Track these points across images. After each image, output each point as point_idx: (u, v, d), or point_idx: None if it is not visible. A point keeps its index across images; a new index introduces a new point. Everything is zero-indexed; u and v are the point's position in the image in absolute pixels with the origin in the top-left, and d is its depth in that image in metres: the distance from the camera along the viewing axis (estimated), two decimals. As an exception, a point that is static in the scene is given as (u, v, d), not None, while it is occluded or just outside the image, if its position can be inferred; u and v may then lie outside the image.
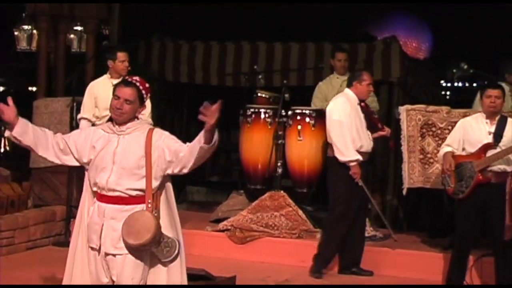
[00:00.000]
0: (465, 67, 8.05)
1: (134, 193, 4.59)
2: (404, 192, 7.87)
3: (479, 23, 11.62)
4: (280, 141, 8.45)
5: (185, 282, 4.75)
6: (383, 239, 8.08)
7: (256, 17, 10.88)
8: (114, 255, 4.60)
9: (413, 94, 10.00)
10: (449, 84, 14.10)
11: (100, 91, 7.57)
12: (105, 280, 4.65)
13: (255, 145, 8.67)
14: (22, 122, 4.69)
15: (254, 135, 8.68)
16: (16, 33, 9.88)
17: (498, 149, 6.62)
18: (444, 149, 6.86)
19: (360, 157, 7.18)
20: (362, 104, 7.33)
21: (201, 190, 10.85)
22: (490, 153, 6.63)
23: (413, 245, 7.92)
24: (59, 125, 8.55)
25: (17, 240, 7.89)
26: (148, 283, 4.65)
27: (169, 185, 4.71)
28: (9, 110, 4.64)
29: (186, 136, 11.07)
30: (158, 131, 4.65)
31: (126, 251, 4.58)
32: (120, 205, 4.59)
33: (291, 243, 7.85)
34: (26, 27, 9.85)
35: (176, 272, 4.69)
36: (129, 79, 4.70)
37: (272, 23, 11.17)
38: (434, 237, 8.04)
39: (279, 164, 8.43)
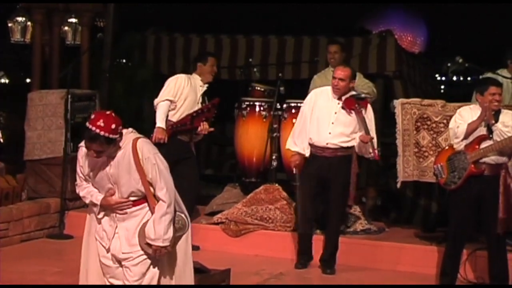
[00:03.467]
0: (460, 61, 8.04)
1: (136, 198, 4.81)
2: (398, 185, 7.87)
3: (474, 17, 11.63)
4: (275, 134, 8.45)
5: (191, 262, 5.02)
6: (377, 232, 8.10)
7: (252, 10, 10.87)
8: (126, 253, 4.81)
9: (410, 88, 10.01)
10: (444, 78, 14.10)
11: (192, 90, 7.78)
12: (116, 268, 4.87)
13: (250, 138, 8.67)
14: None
15: (249, 128, 8.68)
16: (10, 24, 9.82)
17: (492, 141, 6.62)
18: (462, 125, 6.74)
19: (294, 148, 7.24)
20: (343, 100, 7.18)
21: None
22: (484, 144, 6.63)
23: (407, 238, 7.93)
24: (53, 117, 8.54)
25: (11, 233, 7.87)
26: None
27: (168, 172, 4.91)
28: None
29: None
30: (140, 148, 4.74)
31: (139, 253, 4.81)
32: (129, 208, 4.84)
33: (285, 236, 7.85)
34: (20, 19, 9.78)
35: (184, 249, 5.01)
36: (90, 127, 4.64)
37: (267, 16, 11.16)
38: (428, 230, 8.05)
39: (274, 157, 8.44)
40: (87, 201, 4.91)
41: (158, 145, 7.71)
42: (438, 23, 12.68)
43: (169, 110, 7.72)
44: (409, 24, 13.46)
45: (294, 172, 7.44)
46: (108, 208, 4.81)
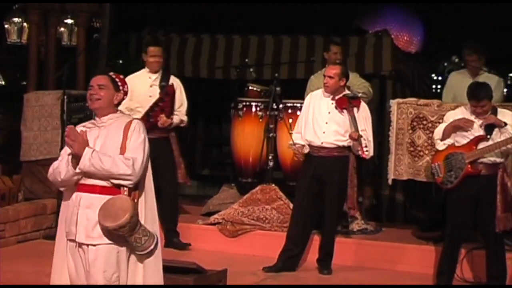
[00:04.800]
0: (456, 60, 8.06)
1: (109, 183, 4.54)
2: (389, 182, 7.88)
3: (471, 16, 11.62)
4: (271, 134, 8.45)
5: (161, 283, 4.72)
6: (374, 232, 8.10)
7: (248, 10, 10.87)
8: (87, 245, 4.55)
9: (406, 87, 10.03)
10: (440, 78, 14.09)
11: (137, 84, 7.67)
12: (82, 272, 4.59)
13: (246, 138, 8.67)
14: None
15: (245, 128, 8.69)
16: (6, 25, 9.83)
17: (490, 142, 6.62)
18: (441, 126, 6.80)
19: (297, 142, 7.28)
20: (336, 100, 7.19)
21: (192, 183, 10.83)
22: (481, 145, 6.64)
23: (405, 238, 7.93)
24: (50, 118, 8.54)
25: (8, 234, 7.86)
26: (123, 282, 4.58)
27: (149, 180, 4.67)
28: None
29: (179, 130, 11.09)
30: (135, 124, 4.64)
31: (99, 242, 4.52)
32: (96, 194, 4.55)
33: (282, 236, 7.82)
34: (16, 19, 9.79)
35: (153, 272, 4.66)
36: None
37: (263, 16, 11.15)
38: (425, 230, 8.05)
39: (270, 157, 8.44)
40: (60, 169, 4.60)
41: None
42: (435, 22, 12.67)
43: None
44: (405, 23, 13.45)
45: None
46: (79, 152, 4.48)
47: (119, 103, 4.76)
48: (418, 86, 10.57)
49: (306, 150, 7.27)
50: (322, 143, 7.17)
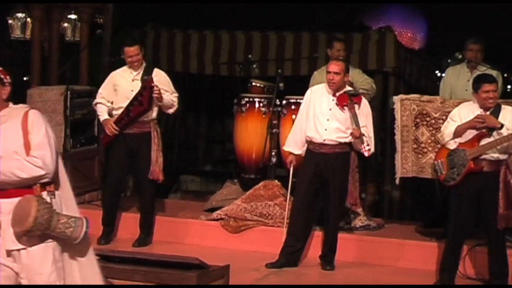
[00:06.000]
0: (460, 57, 8.06)
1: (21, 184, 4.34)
2: (397, 181, 7.88)
3: (474, 13, 11.61)
4: (274, 131, 8.45)
5: (98, 272, 4.57)
6: (377, 228, 8.09)
7: (251, 6, 10.86)
8: (18, 250, 4.37)
9: (409, 84, 10.01)
10: (443, 74, 14.10)
11: (120, 79, 7.81)
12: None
13: (250, 134, 8.67)
14: None
15: (249, 124, 8.68)
16: (10, 21, 9.84)
17: (492, 138, 6.62)
18: (449, 127, 6.81)
19: (286, 148, 7.43)
20: (337, 97, 7.19)
21: (195, 179, 10.87)
22: (483, 142, 6.63)
23: (407, 234, 7.93)
24: (53, 114, 8.53)
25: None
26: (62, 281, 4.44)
27: (61, 170, 4.48)
28: None
29: (183, 126, 11.13)
30: (32, 115, 4.43)
31: (29, 244, 4.34)
32: (13, 198, 4.35)
33: (285, 232, 7.85)
34: (20, 15, 9.80)
35: (91, 274, 4.52)
36: None
37: (266, 12, 11.15)
38: (428, 226, 8.05)
39: (273, 153, 8.44)
40: None
41: (110, 143, 7.83)
42: (438, 19, 12.66)
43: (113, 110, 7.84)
44: (409, 20, 13.44)
45: (290, 169, 7.46)
46: None
47: (8, 97, 4.54)
48: (424, 83, 10.56)
49: (299, 152, 7.34)
50: (324, 140, 7.17)
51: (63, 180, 4.53)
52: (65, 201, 4.49)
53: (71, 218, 4.37)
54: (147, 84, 7.72)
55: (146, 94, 7.70)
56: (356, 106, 7.12)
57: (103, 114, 7.87)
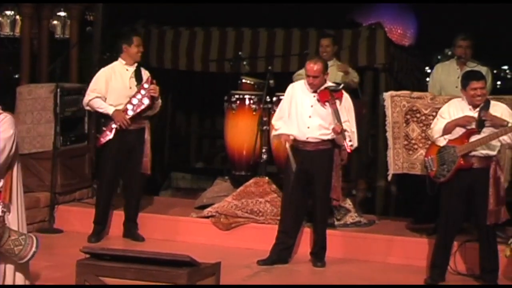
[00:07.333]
0: (449, 53, 8.08)
1: None
2: (389, 178, 7.89)
3: (464, 9, 11.64)
4: (265, 127, 8.44)
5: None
6: (368, 225, 8.10)
7: (241, 3, 10.85)
8: None
9: (399, 80, 10.03)
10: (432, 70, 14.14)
11: (115, 77, 7.75)
12: None
13: (240, 131, 8.66)
14: None
15: (239, 121, 8.67)
16: (-1, 18, 9.82)
17: (481, 135, 6.63)
18: (438, 124, 6.82)
19: (278, 131, 7.28)
20: (318, 93, 7.16)
21: (186, 176, 10.86)
22: (473, 138, 6.64)
23: (398, 230, 7.94)
24: (43, 111, 8.50)
25: (1, 227, 7.84)
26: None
27: (19, 181, 4.41)
28: None
29: (173, 123, 11.09)
30: (4, 117, 4.36)
31: None
32: None
33: (276, 229, 7.84)
34: (9, 12, 9.77)
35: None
36: None
37: (256, 9, 11.14)
38: (419, 222, 8.06)
39: (264, 150, 8.43)
40: None
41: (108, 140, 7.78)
42: (429, 15, 12.68)
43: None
44: (399, 16, 13.45)
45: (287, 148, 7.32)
46: None
47: None
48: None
49: (292, 137, 7.24)
50: (307, 138, 7.17)
51: (19, 195, 4.39)
52: (19, 217, 4.37)
53: (22, 235, 4.26)
54: (149, 81, 7.73)
55: (151, 90, 7.70)
56: (337, 101, 7.11)
57: (108, 107, 7.74)
